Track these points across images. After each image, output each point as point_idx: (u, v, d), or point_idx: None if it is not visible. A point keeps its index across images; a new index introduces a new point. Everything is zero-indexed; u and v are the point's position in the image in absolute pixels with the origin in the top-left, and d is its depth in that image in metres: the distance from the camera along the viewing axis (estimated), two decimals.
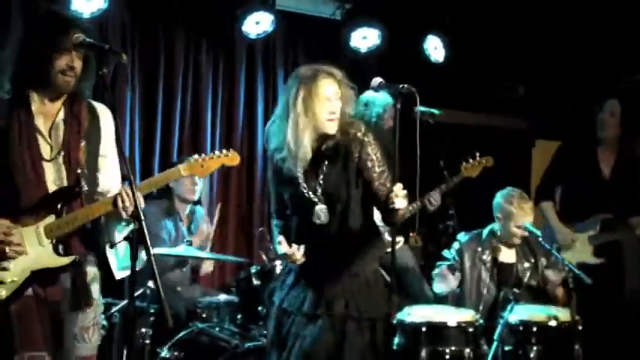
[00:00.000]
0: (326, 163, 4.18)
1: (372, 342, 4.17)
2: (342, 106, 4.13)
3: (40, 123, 3.83)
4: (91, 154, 3.91)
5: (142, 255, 3.99)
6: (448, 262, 5.86)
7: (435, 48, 7.93)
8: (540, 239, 5.57)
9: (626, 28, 7.51)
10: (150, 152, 7.29)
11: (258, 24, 7.43)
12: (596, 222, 6.46)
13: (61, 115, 3.87)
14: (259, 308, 5.93)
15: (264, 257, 6.37)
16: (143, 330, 5.44)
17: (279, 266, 5.88)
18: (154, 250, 3.61)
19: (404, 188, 3.96)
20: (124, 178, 3.67)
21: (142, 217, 3.58)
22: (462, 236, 5.93)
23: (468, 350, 5.14)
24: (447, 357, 5.13)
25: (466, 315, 5.33)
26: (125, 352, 5.47)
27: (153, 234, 5.71)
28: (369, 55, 7.70)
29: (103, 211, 3.81)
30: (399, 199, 3.92)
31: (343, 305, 4.15)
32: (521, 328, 5.27)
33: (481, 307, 5.64)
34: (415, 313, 5.32)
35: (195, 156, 4.04)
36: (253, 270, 6.15)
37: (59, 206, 3.78)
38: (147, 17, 7.28)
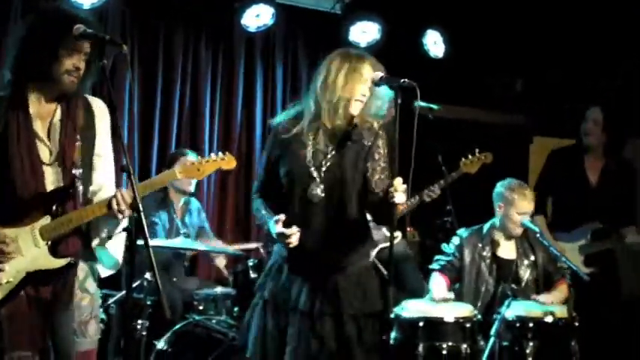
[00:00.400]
0: (339, 144, 4.19)
1: (368, 338, 4.17)
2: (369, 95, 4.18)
3: (38, 126, 3.81)
4: (86, 153, 3.88)
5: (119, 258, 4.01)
6: (446, 258, 5.85)
7: (434, 43, 7.93)
8: (538, 235, 5.57)
9: (623, 24, 7.51)
10: (148, 145, 7.29)
11: (257, 17, 7.42)
12: (586, 231, 6.46)
13: (58, 115, 3.85)
14: None
15: (261, 250, 6.38)
16: (140, 322, 5.44)
17: None
18: (151, 242, 3.60)
19: (403, 183, 3.97)
20: (124, 169, 3.65)
21: (141, 209, 3.58)
22: (463, 231, 5.92)
23: (465, 346, 5.14)
24: (444, 352, 5.12)
25: (463, 310, 5.33)
26: (122, 343, 5.53)
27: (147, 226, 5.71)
28: (368, 49, 7.69)
29: (98, 213, 3.78)
30: (399, 194, 3.93)
31: (338, 303, 4.13)
32: (517, 324, 5.26)
33: (479, 303, 5.63)
34: (412, 308, 5.32)
35: (191, 158, 4.04)
36: (250, 263, 6.16)
37: (54, 207, 3.76)
38: (146, 10, 7.28)
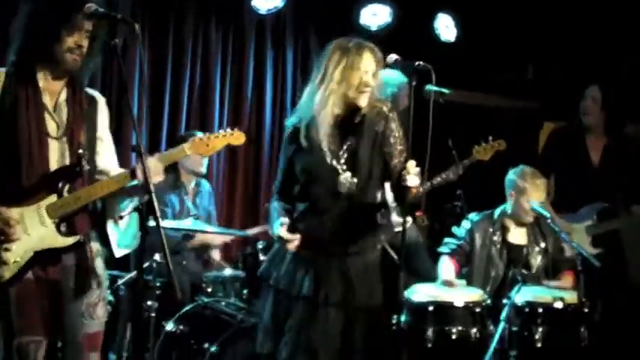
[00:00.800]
0: (352, 134, 4.16)
1: (371, 330, 4.17)
2: (374, 84, 4.14)
3: (47, 100, 3.82)
4: (91, 136, 3.91)
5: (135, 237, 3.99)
6: (457, 241, 5.84)
7: (446, 27, 7.89)
8: (549, 221, 5.55)
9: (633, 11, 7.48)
10: (157, 127, 7.27)
11: None
12: (592, 211, 6.44)
13: (64, 95, 3.87)
14: None
15: (270, 233, 6.36)
16: (149, 303, 5.43)
17: None
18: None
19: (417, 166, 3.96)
20: (134, 149, 3.64)
21: (152, 189, 3.56)
22: (474, 216, 5.90)
23: (474, 330, 5.13)
24: (454, 337, 5.12)
25: (473, 295, 5.32)
26: (130, 325, 5.54)
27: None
28: (379, 32, 7.66)
29: (106, 191, 3.79)
30: (412, 177, 3.92)
31: (344, 293, 4.12)
32: (527, 309, 5.25)
33: (488, 288, 5.62)
34: (422, 292, 5.31)
35: (200, 135, 4.02)
36: (260, 245, 6.15)
37: (60, 185, 3.76)
38: None
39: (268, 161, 7.74)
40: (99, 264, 3.95)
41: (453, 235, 5.93)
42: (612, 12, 7.61)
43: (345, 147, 4.16)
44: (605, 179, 6.48)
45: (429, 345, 5.09)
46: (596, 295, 5.87)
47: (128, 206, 3.93)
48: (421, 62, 3.99)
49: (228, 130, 4.09)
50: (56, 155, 3.79)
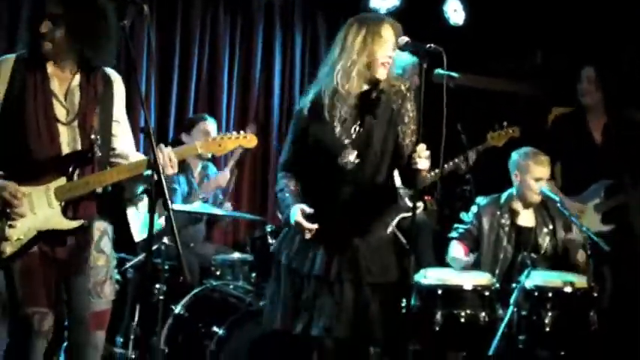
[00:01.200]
0: (369, 110, 4.14)
1: (384, 307, 4.16)
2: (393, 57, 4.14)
3: (56, 86, 3.82)
4: (105, 120, 3.90)
5: (161, 220, 3.97)
6: (465, 226, 5.83)
7: (454, 10, 7.86)
8: (559, 205, 5.53)
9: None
10: (166, 110, 7.26)
11: None
12: (599, 189, 6.44)
13: (77, 80, 3.86)
14: None
15: (279, 216, 6.35)
16: (157, 286, 5.43)
17: None
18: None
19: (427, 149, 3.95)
20: (143, 130, 3.64)
21: (162, 171, 3.56)
22: (481, 200, 5.89)
23: (483, 314, 5.13)
24: (462, 320, 5.12)
25: (482, 278, 5.32)
26: (139, 307, 5.54)
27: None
28: (387, 15, 7.59)
29: (116, 179, 3.82)
30: (422, 160, 3.91)
31: (357, 270, 4.11)
32: (536, 294, 5.24)
33: (497, 271, 5.61)
34: (431, 276, 5.30)
35: (215, 131, 4.04)
36: (268, 229, 6.13)
37: (71, 169, 3.77)
38: None
39: (277, 143, 7.72)
40: (105, 242, 3.95)
41: (461, 221, 5.93)
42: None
43: (358, 123, 4.14)
44: (610, 158, 6.47)
45: (438, 328, 5.09)
46: (605, 280, 5.87)
47: (139, 188, 3.95)
48: (432, 45, 3.97)
49: (242, 132, 4.12)
50: (67, 139, 3.80)
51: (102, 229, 3.95)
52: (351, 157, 4.10)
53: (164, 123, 7.26)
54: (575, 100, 6.79)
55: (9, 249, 3.69)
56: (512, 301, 5.14)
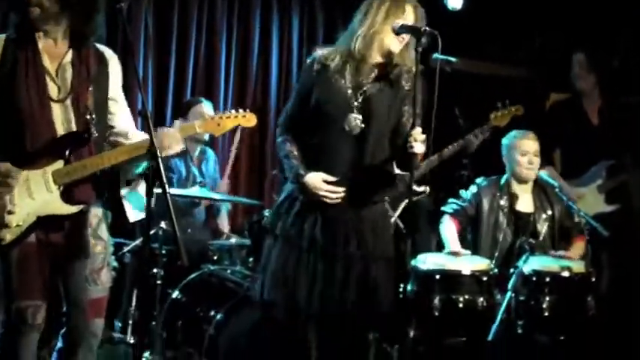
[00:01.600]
0: (379, 79, 4.14)
1: (380, 281, 4.15)
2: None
3: (47, 62, 3.76)
4: (100, 99, 3.85)
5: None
6: (461, 203, 5.82)
7: None
8: (557, 190, 5.53)
9: None
10: (163, 93, 7.24)
11: None
12: (600, 170, 6.44)
13: (68, 57, 3.80)
14: None
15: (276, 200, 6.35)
16: (155, 271, 5.42)
17: None
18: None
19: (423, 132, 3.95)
20: (140, 113, 3.62)
21: (159, 155, 3.54)
22: (481, 180, 5.88)
23: (481, 299, 5.13)
24: (460, 305, 5.12)
25: (480, 264, 5.31)
26: (136, 292, 5.54)
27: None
28: None
29: (114, 162, 3.77)
30: (418, 144, 3.90)
31: (357, 244, 4.10)
32: (534, 279, 5.23)
33: (496, 254, 5.60)
34: (429, 261, 5.30)
35: (207, 107, 4.00)
36: (266, 213, 6.11)
37: (67, 152, 3.72)
38: None
39: (274, 129, 7.69)
40: (102, 229, 3.92)
41: (458, 197, 5.91)
42: None
43: (366, 89, 4.12)
44: (608, 140, 6.47)
45: (436, 313, 5.09)
46: (603, 265, 5.87)
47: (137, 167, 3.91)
48: (427, 28, 3.95)
49: (241, 111, 4.09)
50: (60, 118, 3.74)
51: (99, 215, 3.91)
52: (358, 120, 4.08)
53: (162, 107, 7.24)
54: (571, 86, 6.79)
55: (9, 236, 3.66)
56: (510, 286, 5.14)
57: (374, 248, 4.13)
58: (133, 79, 3.92)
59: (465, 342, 5.19)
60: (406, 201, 5.51)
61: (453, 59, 5.83)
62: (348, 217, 4.12)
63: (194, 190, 5.95)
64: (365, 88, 4.12)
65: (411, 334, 5.11)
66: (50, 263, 3.79)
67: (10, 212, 3.65)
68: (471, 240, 5.80)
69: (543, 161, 5.93)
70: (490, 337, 4.91)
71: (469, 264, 5.28)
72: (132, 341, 5.36)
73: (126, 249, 5.68)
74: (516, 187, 5.80)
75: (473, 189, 5.86)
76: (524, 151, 5.72)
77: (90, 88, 3.79)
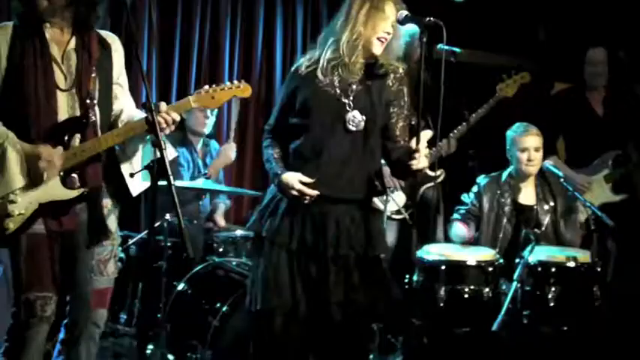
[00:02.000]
0: (362, 77, 4.11)
1: (377, 278, 4.14)
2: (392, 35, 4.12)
3: (55, 51, 3.77)
4: (103, 84, 3.85)
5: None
6: (466, 207, 5.82)
7: None
8: (562, 180, 5.52)
9: None
10: (167, 86, 7.22)
11: None
12: (607, 160, 6.44)
13: (72, 44, 3.81)
14: None
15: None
16: (160, 263, 5.42)
17: None
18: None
19: (425, 127, 3.96)
20: (144, 105, 3.60)
21: (163, 147, 3.53)
22: (482, 179, 5.88)
23: (487, 290, 5.12)
24: (466, 296, 5.12)
25: (486, 254, 5.30)
26: (141, 285, 5.53)
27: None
28: None
29: (111, 143, 3.78)
30: (424, 159, 3.92)
31: (347, 243, 4.08)
32: (539, 269, 5.22)
33: (497, 250, 5.58)
34: (434, 251, 5.29)
35: (206, 87, 3.97)
36: None
37: (67, 138, 3.73)
38: None
39: None
40: (112, 220, 3.93)
41: (462, 203, 5.91)
42: None
43: (354, 87, 4.09)
44: (613, 130, 6.46)
45: (441, 304, 5.08)
46: (609, 255, 5.86)
47: (138, 148, 3.89)
48: (432, 18, 3.94)
49: (235, 82, 4.02)
50: (65, 107, 3.75)
51: (109, 206, 3.93)
52: (357, 118, 4.05)
53: (166, 97, 7.19)
54: (576, 76, 6.77)
55: (12, 225, 3.66)
56: (515, 276, 5.12)
57: (366, 246, 4.11)
58: (137, 72, 3.92)
59: (470, 332, 5.18)
60: (426, 185, 5.54)
61: (457, 49, 5.82)
62: (337, 216, 4.09)
63: (199, 182, 5.94)
64: (353, 87, 4.09)
65: (416, 324, 5.09)
66: (61, 254, 3.80)
67: (11, 201, 3.65)
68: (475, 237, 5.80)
69: (547, 151, 5.92)
70: (495, 328, 4.89)
71: (474, 254, 5.28)
72: (137, 334, 5.37)
73: (131, 241, 5.68)
74: (519, 181, 5.80)
75: (474, 189, 5.87)
76: (524, 147, 5.72)
77: (93, 74, 3.80)
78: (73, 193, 3.75)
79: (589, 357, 5.13)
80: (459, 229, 5.72)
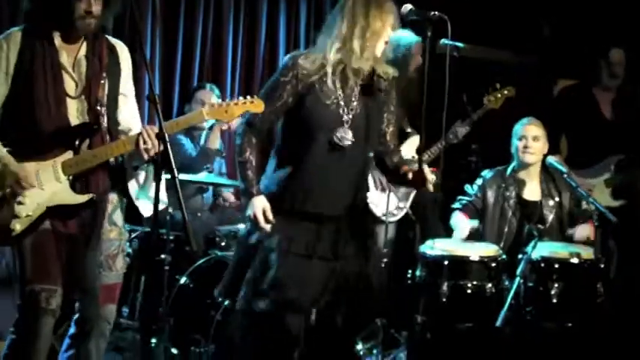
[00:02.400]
0: (363, 87, 4.10)
1: (370, 282, 4.19)
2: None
3: (64, 58, 3.79)
4: (112, 92, 3.88)
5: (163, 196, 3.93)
6: (468, 198, 5.82)
7: None
8: (565, 176, 5.51)
9: None
10: (170, 84, 7.21)
11: None
12: (609, 164, 6.41)
13: (83, 51, 3.83)
14: None
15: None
16: (162, 257, 5.41)
17: None
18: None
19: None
20: (149, 98, 3.61)
21: (167, 139, 3.53)
22: (486, 172, 5.88)
23: (489, 285, 5.12)
24: (469, 291, 5.11)
25: (489, 250, 5.30)
26: (144, 278, 5.53)
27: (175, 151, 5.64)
28: None
29: (122, 151, 3.80)
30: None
31: (342, 247, 4.09)
32: (542, 265, 5.22)
33: (502, 244, 5.59)
34: (437, 247, 5.28)
35: (219, 101, 3.97)
36: None
37: (77, 142, 3.75)
38: None
39: None
40: (117, 215, 3.94)
41: (465, 194, 5.91)
42: None
43: (354, 101, 4.07)
44: (619, 132, 6.43)
45: (444, 299, 5.07)
46: (612, 251, 5.85)
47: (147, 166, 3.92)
48: (436, 12, 3.93)
49: (248, 97, 4.00)
50: (75, 113, 3.77)
51: (114, 201, 3.95)
52: (350, 134, 4.02)
53: (169, 95, 7.20)
54: (580, 73, 6.75)
55: (18, 226, 3.68)
56: (518, 272, 5.11)
57: (367, 250, 4.17)
58: (141, 64, 3.92)
59: (473, 328, 5.17)
60: (415, 191, 5.53)
61: (460, 45, 5.81)
62: (340, 222, 4.10)
63: (202, 176, 5.93)
64: (354, 100, 4.07)
65: (419, 320, 5.09)
66: (66, 249, 3.80)
67: (20, 203, 3.67)
68: (478, 229, 5.78)
69: (550, 149, 5.91)
70: (498, 324, 4.89)
71: (477, 250, 5.27)
72: (140, 327, 5.37)
73: (134, 235, 5.67)
74: (523, 175, 5.80)
75: (478, 182, 5.86)
76: (521, 135, 5.74)
77: (102, 81, 3.81)
78: (82, 198, 3.77)
79: (592, 353, 5.12)
80: (459, 220, 5.72)
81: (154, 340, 5.29)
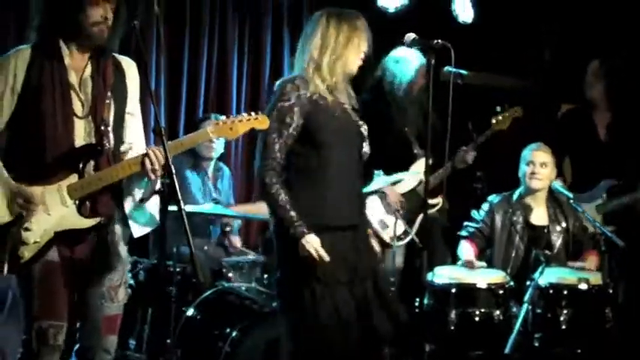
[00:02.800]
0: (354, 107, 4.16)
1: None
2: None
3: (73, 78, 3.74)
4: (117, 111, 3.83)
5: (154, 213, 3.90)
6: (475, 225, 5.81)
7: (463, 9, 7.81)
8: (571, 201, 5.50)
9: None
10: (175, 111, 7.22)
11: None
12: (602, 189, 6.38)
13: (88, 70, 3.78)
14: None
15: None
16: (169, 289, 5.40)
17: None
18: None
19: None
20: (154, 131, 3.60)
21: (173, 171, 3.53)
22: (493, 197, 5.88)
23: (497, 312, 5.12)
24: (477, 319, 5.12)
25: (496, 277, 5.30)
26: (151, 310, 5.51)
27: (182, 188, 5.63)
28: (396, 14, 7.57)
29: (128, 173, 3.73)
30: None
31: (363, 265, 4.09)
32: (551, 291, 5.22)
33: (509, 270, 5.58)
34: (445, 275, 5.28)
35: (224, 118, 3.96)
36: None
37: (81, 165, 3.70)
38: None
39: None
40: (122, 247, 3.92)
41: (472, 219, 5.89)
42: None
43: (353, 115, 4.13)
44: (614, 155, 6.42)
45: (452, 327, 5.07)
46: (620, 276, 5.83)
47: (147, 187, 3.87)
48: (439, 41, 3.95)
49: (253, 114, 3.98)
50: (82, 134, 3.73)
51: (118, 232, 3.91)
52: (367, 147, 4.09)
53: (174, 125, 7.21)
54: (582, 97, 6.76)
55: (27, 253, 3.64)
56: (526, 298, 5.11)
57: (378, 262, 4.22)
58: (146, 95, 3.91)
59: (482, 356, 5.16)
60: (421, 216, 5.52)
61: (463, 72, 5.83)
62: (353, 241, 4.09)
63: (209, 207, 5.93)
64: (353, 115, 4.13)
65: (427, 348, 5.06)
66: (73, 281, 3.77)
67: (27, 229, 3.63)
68: (487, 256, 5.77)
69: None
70: (507, 351, 4.88)
71: (485, 277, 5.27)
72: None
73: (140, 267, 5.66)
74: (529, 200, 5.79)
75: (485, 207, 5.85)
76: (529, 160, 5.75)
77: (107, 101, 3.79)
78: (89, 222, 3.73)
79: None
80: (467, 252, 5.70)
81: None
